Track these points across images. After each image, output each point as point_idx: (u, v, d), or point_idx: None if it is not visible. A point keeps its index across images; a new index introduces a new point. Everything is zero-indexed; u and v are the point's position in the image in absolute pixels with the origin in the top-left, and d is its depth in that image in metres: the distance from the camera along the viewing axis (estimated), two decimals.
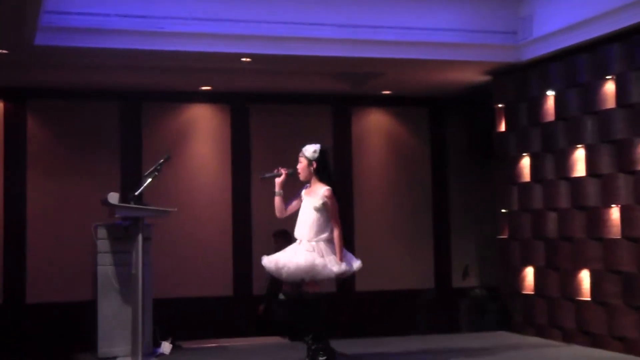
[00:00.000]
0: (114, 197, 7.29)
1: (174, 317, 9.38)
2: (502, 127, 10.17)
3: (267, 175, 7.07)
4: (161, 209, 7.39)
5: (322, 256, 6.65)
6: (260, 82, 10.52)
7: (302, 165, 6.85)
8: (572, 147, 8.90)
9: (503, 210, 10.08)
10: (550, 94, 9.23)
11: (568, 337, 8.80)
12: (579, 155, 8.80)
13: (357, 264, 6.88)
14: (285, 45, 8.96)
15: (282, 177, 6.92)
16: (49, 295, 10.26)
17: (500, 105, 10.22)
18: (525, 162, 9.71)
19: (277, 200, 6.90)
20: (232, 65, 9.49)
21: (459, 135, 11.72)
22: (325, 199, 6.68)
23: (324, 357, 6.78)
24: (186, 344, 8.38)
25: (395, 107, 11.69)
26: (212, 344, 8.74)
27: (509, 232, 9.96)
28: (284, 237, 9.66)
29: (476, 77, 10.34)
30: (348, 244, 11.13)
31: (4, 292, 10.27)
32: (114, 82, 10.23)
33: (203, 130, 11.02)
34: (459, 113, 11.70)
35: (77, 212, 10.27)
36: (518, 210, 9.80)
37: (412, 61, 9.48)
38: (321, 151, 6.82)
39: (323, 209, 6.70)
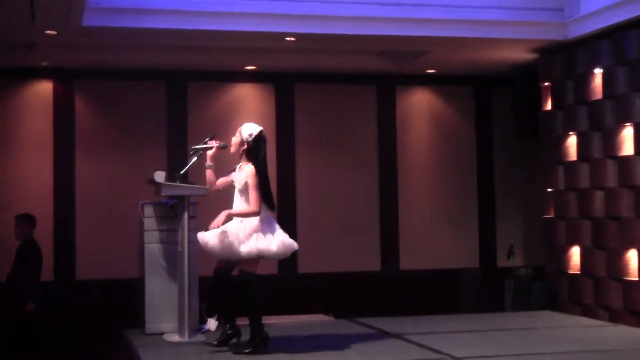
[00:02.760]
0: (160, 176, 7.37)
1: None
2: (549, 106, 10.07)
3: (199, 146, 7.10)
4: (206, 187, 7.42)
5: (247, 235, 6.63)
6: (305, 62, 10.53)
7: (236, 140, 6.82)
8: (619, 126, 8.79)
9: (549, 190, 10.00)
10: (598, 71, 9.12)
11: (615, 317, 8.73)
12: (627, 134, 8.69)
13: (276, 243, 6.66)
14: (329, 24, 8.97)
15: (214, 149, 6.94)
16: (97, 272, 10.44)
17: (546, 84, 10.12)
18: (572, 140, 9.62)
19: (208, 173, 6.90)
20: (276, 44, 9.51)
21: (505, 114, 11.62)
22: (247, 178, 6.68)
23: (249, 349, 6.70)
24: None
25: (440, 86, 11.63)
26: None
27: (555, 212, 9.89)
28: (26, 221, 9.40)
29: (522, 55, 10.24)
30: (392, 224, 11.29)
31: (55, 269, 10.46)
32: (160, 62, 10.32)
33: (248, 109, 11.07)
34: (505, 92, 11.59)
35: (124, 191, 10.41)
36: (564, 189, 9.72)
37: (457, 39, 9.43)
38: (256, 137, 6.77)
39: (245, 190, 6.71)
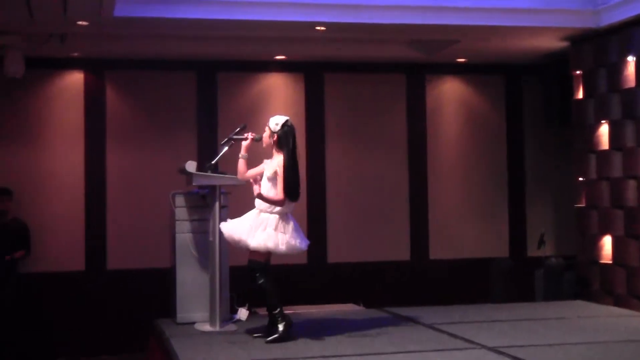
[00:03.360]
0: (191, 166, 7.39)
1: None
2: (580, 94, 9.99)
3: (235, 137, 7.19)
4: (238, 177, 7.44)
5: (260, 229, 6.70)
6: (335, 51, 10.49)
7: (266, 133, 6.91)
8: None
9: (581, 179, 9.93)
10: (631, 59, 9.02)
11: None
12: None
13: (282, 243, 6.74)
14: (359, 13, 8.95)
15: (249, 141, 7.03)
16: (129, 262, 10.51)
17: (578, 72, 10.03)
18: (604, 129, 9.54)
19: (241, 163, 6.98)
20: (306, 34, 9.51)
21: (535, 102, 11.54)
22: (277, 168, 6.73)
23: (275, 336, 6.76)
24: (262, 311, 8.47)
25: (470, 74, 11.57)
26: (287, 310, 8.80)
27: (587, 201, 9.82)
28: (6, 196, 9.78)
29: (553, 43, 10.16)
30: (422, 213, 11.26)
31: (86, 258, 10.54)
32: (190, 52, 10.34)
33: (277, 99, 11.07)
34: (535, 80, 11.51)
35: (154, 181, 10.47)
36: (596, 178, 9.65)
37: (487, 28, 9.37)
38: (283, 125, 6.83)
39: (274, 179, 6.75)
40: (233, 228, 6.85)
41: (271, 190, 6.79)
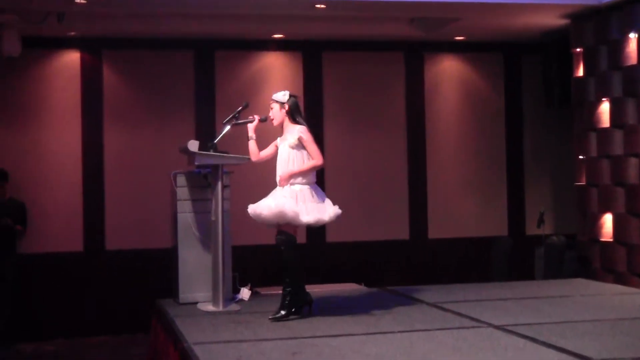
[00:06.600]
0: (194, 145, 7.31)
1: (253, 264, 9.50)
2: (581, 72, 9.94)
3: (241, 121, 7.14)
4: (240, 156, 7.39)
5: (301, 202, 6.61)
6: (333, 29, 10.42)
7: (274, 110, 6.82)
8: None
9: (581, 157, 9.91)
10: (633, 36, 8.98)
11: None
12: None
13: (330, 212, 6.72)
14: None
15: (255, 122, 7.00)
16: (128, 242, 10.46)
17: (578, 50, 9.98)
18: (605, 107, 9.50)
19: (251, 144, 6.95)
20: (305, 12, 9.42)
21: (535, 80, 11.49)
22: (300, 134, 6.66)
23: (282, 313, 6.72)
24: (264, 290, 8.46)
25: (469, 52, 11.51)
26: None
27: (587, 179, 9.80)
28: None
29: (553, 20, 10.10)
30: (420, 192, 11.23)
31: (85, 239, 10.48)
32: (188, 31, 10.25)
33: (275, 78, 11.00)
34: (535, 58, 11.45)
35: (152, 160, 10.43)
36: (597, 156, 9.62)
37: (487, 5, 9.32)
38: (292, 95, 6.81)
39: (300, 145, 6.67)
40: (281, 204, 6.59)
41: (297, 157, 6.68)
